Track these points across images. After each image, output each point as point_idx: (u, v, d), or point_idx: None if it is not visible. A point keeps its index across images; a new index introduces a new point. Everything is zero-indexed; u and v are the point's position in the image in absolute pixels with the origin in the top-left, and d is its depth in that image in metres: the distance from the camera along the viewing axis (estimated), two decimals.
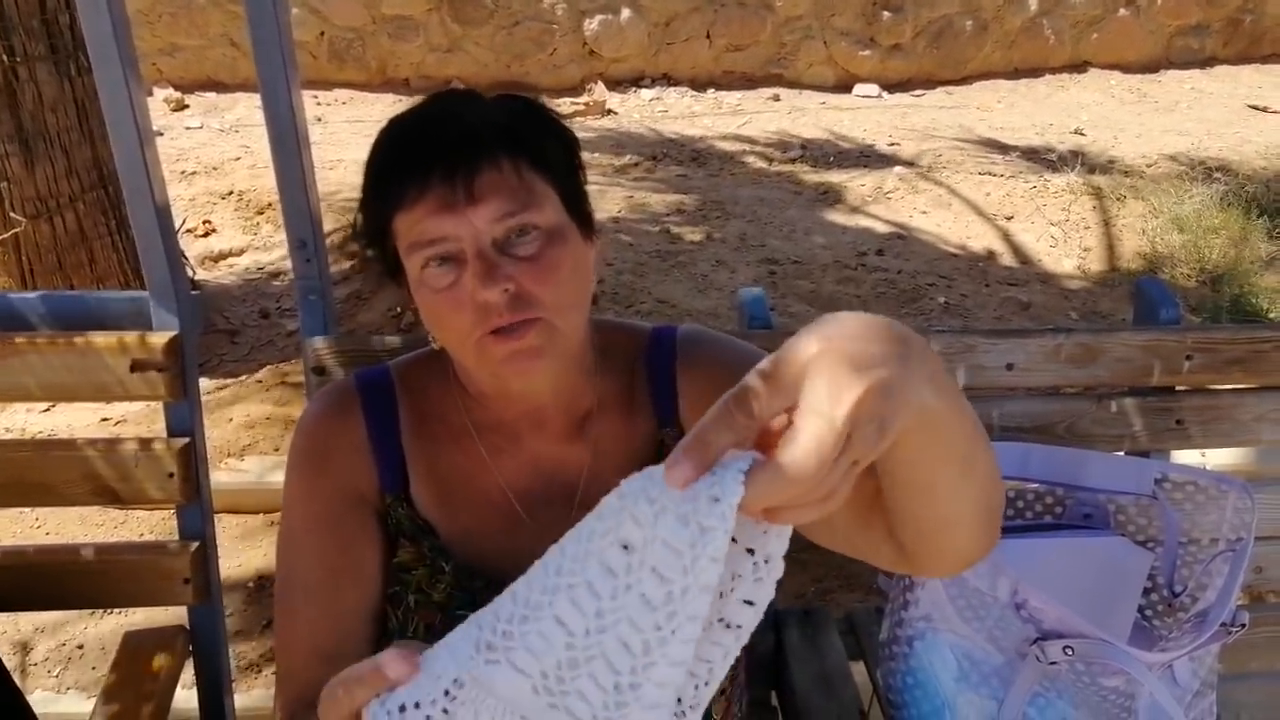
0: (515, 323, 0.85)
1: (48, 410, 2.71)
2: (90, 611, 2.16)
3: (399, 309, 3.14)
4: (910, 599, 1.15)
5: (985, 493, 0.72)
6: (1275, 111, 5.73)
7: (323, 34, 5.75)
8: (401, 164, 0.87)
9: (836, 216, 4.15)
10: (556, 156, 0.90)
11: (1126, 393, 1.37)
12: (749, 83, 6.10)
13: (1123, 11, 6.35)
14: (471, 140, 0.86)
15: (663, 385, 1.00)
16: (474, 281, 0.84)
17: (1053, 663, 1.05)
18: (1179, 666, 1.13)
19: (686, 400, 0.99)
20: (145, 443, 1.30)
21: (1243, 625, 1.10)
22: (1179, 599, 1.25)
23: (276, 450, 2.51)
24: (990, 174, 4.49)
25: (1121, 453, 1.37)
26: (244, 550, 2.32)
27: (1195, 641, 1.08)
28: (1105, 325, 3.24)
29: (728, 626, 0.56)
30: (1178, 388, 1.37)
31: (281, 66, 1.20)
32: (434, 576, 0.94)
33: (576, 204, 0.92)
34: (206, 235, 3.80)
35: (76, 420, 2.66)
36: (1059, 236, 4.00)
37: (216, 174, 4.26)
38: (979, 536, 0.74)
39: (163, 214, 1.25)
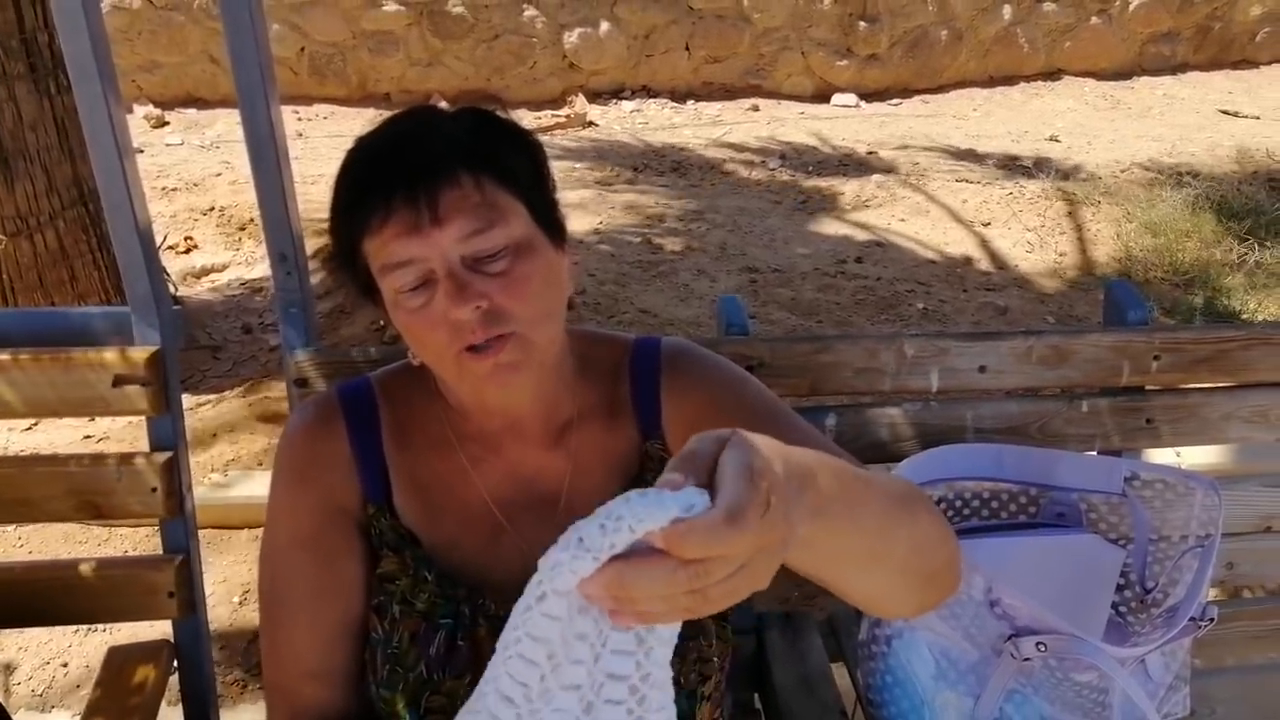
0: (490, 339, 0.86)
1: (30, 429, 2.70)
2: (75, 629, 2.15)
3: (382, 322, 3.15)
4: None
5: (907, 569, 0.76)
6: (1245, 116, 5.82)
7: (303, 50, 5.76)
8: (364, 188, 0.87)
9: (816, 225, 4.19)
10: (520, 167, 0.91)
11: (1097, 393, 1.39)
12: (728, 93, 6.15)
13: (1095, 20, 6.44)
14: (431, 160, 0.86)
15: (647, 397, 1.01)
16: (445, 301, 0.84)
17: (1026, 659, 1.06)
18: (1152, 661, 1.15)
19: (670, 413, 1.00)
20: (128, 457, 1.30)
21: (1211, 620, 1.12)
22: (1151, 595, 1.27)
23: (260, 465, 2.51)
24: (967, 181, 4.54)
25: (1093, 452, 1.39)
26: (228, 565, 2.32)
27: (1165, 636, 1.09)
28: (1075, 327, 3.28)
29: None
30: (1147, 387, 1.39)
31: (260, 81, 1.21)
32: (417, 586, 0.95)
33: (545, 214, 0.92)
34: (188, 251, 3.80)
35: (59, 439, 2.65)
36: (1035, 242, 4.05)
37: (198, 190, 4.25)
38: (915, 599, 0.80)
39: (143, 229, 1.26)
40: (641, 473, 1.00)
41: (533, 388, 0.92)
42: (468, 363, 0.87)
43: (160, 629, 1.40)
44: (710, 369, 1.02)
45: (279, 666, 0.97)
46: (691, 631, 0.95)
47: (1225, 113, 5.89)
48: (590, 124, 5.61)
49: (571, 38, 5.91)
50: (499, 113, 0.94)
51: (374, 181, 0.87)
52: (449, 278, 0.85)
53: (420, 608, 0.95)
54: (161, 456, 1.30)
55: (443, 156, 0.87)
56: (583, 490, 0.99)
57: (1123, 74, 6.56)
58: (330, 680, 0.96)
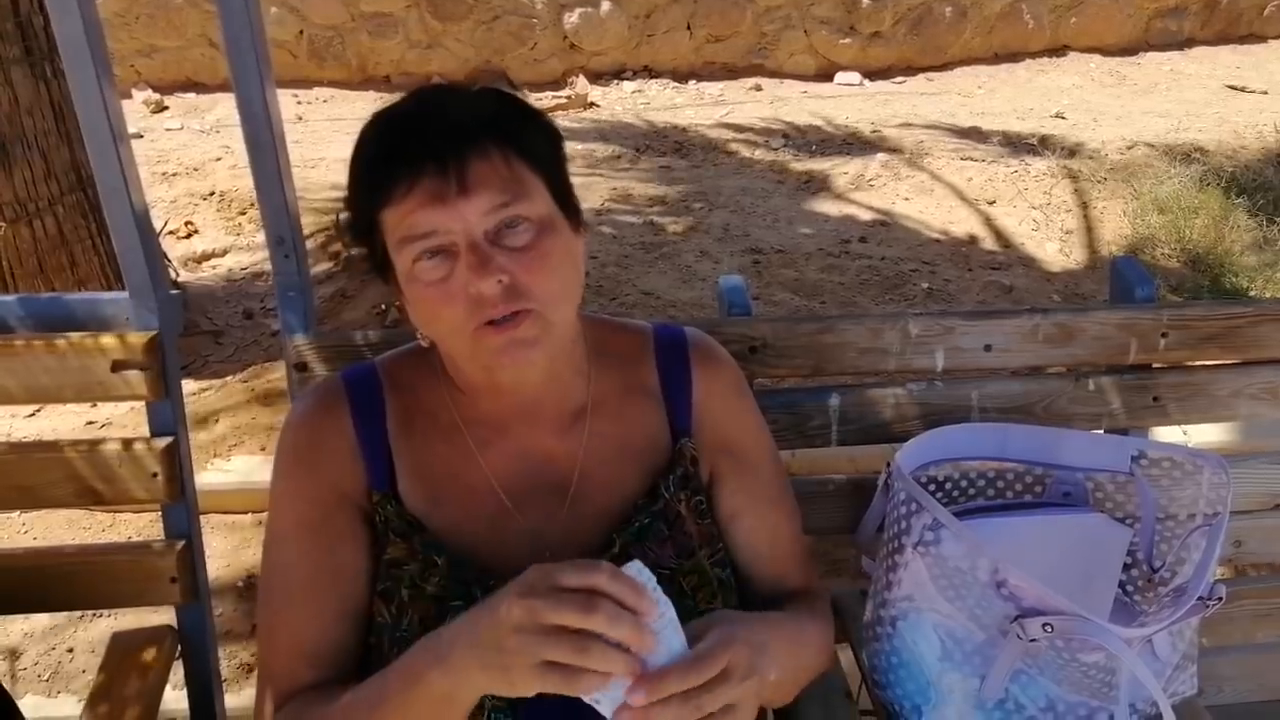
0: (509, 314, 0.85)
1: (32, 416, 2.70)
2: (80, 615, 2.16)
3: (384, 306, 3.14)
4: (893, 579, 1.16)
5: (797, 683, 1.01)
6: (1253, 91, 5.76)
7: (302, 33, 5.72)
8: (390, 158, 0.87)
9: (820, 205, 4.16)
10: (542, 147, 0.91)
11: (1104, 371, 1.38)
12: (730, 73, 6.11)
13: None
14: (460, 132, 0.86)
15: (678, 391, 1.02)
16: (468, 274, 0.84)
17: (1033, 640, 1.05)
18: (1159, 640, 1.14)
19: (699, 408, 1.02)
20: (128, 443, 1.30)
21: (1220, 599, 1.11)
22: (1158, 574, 1.26)
23: (263, 450, 2.51)
24: (972, 159, 4.50)
25: (1100, 431, 1.38)
26: (232, 550, 2.32)
27: (1173, 615, 1.08)
28: (1081, 305, 3.26)
29: None
30: (1154, 365, 1.38)
31: (255, 64, 1.19)
32: (426, 570, 0.95)
33: (563, 195, 0.92)
34: (189, 236, 3.78)
35: (61, 425, 2.65)
36: (1040, 220, 4.03)
37: (197, 175, 4.23)
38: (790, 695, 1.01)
39: (140, 214, 1.25)
40: (672, 467, 1.00)
41: (545, 366, 0.92)
42: (483, 338, 0.86)
43: (164, 614, 1.40)
44: (731, 364, 1.07)
45: (275, 650, 0.97)
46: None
47: (1233, 88, 5.84)
48: (591, 105, 5.58)
49: (572, 18, 5.87)
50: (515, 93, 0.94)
51: (401, 150, 0.86)
52: (471, 250, 0.84)
53: (431, 591, 0.94)
54: (162, 441, 1.30)
55: (471, 128, 0.86)
56: (595, 478, 0.99)
57: (1129, 50, 6.49)
58: (325, 664, 0.95)
